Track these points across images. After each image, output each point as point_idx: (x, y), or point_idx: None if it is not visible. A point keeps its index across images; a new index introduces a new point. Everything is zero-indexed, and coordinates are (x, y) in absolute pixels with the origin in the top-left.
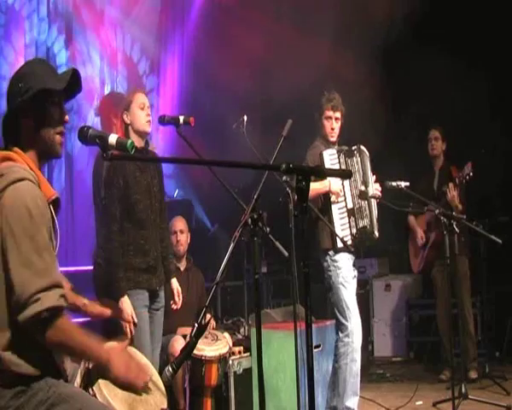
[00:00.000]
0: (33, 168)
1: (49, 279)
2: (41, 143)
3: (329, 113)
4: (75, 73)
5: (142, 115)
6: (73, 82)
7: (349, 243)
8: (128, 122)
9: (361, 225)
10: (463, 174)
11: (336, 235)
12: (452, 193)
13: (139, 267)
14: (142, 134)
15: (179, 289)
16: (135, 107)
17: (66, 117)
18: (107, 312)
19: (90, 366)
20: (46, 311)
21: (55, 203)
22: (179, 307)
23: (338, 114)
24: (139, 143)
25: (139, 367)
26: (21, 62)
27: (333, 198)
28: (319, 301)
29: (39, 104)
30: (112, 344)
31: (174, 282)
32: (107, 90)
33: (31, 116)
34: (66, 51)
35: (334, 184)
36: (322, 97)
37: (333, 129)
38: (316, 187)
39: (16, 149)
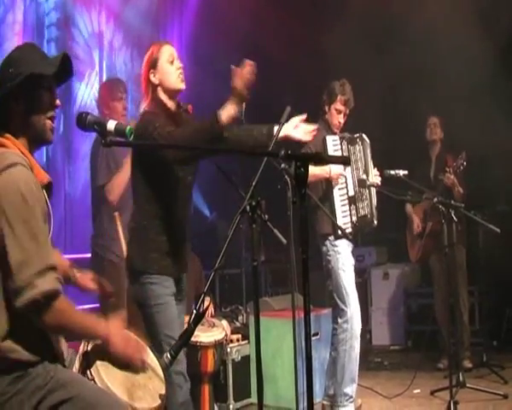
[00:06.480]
0: (25, 153)
1: (44, 263)
2: (31, 128)
3: (341, 107)
4: (66, 58)
5: (172, 70)
6: (64, 67)
7: (349, 230)
8: (157, 82)
9: (362, 213)
10: (457, 164)
11: (338, 226)
12: (450, 178)
13: (165, 250)
14: (174, 93)
15: None
16: (163, 62)
17: (58, 102)
18: (94, 286)
19: (89, 349)
20: (42, 296)
21: (48, 187)
22: None
23: (347, 111)
24: (172, 105)
25: (137, 344)
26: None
27: (334, 182)
28: (317, 289)
29: (29, 89)
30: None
31: None
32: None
33: (21, 101)
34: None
35: (334, 168)
36: (335, 84)
37: (340, 122)
38: (316, 172)
39: (7, 134)
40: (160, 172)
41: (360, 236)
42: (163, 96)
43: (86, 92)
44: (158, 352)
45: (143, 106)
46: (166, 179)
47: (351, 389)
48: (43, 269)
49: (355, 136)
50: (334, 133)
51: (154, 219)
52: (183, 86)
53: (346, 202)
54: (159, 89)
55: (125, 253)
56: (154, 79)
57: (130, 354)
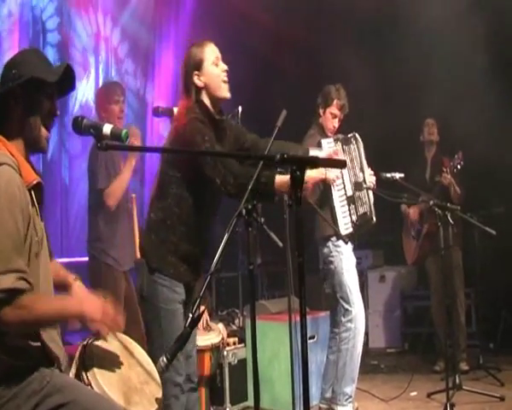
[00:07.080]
0: (15, 154)
1: (7, 266)
2: (27, 131)
3: (336, 111)
4: (69, 68)
5: (217, 73)
6: (67, 78)
7: (350, 230)
8: (201, 85)
9: (361, 211)
10: (454, 164)
11: (338, 232)
12: (447, 177)
13: (184, 255)
14: (217, 101)
15: None
16: (208, 65)
17: (57, 111)
18: None
19: (85, 353)
20: (1, 292)
21: (38, 188)
22: None
23: (342, 116)
24: (214, 111)
25: (116, 312)
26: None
27: (331, 184)
28: (313, 292)
29: (30, 93)
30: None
31: None
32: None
33: (20, 101)
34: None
35: (329, 171)
36: (330, 88)
37: (334, 127)
38: (312, 175)
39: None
40: (202, 180)
41: (357, 238)
42: (207, 101)
43: (81, 93)
44: (157, 356)
45: (183, 106)
46: (207, 189)
47: (350, 389)
48: (6, 270)
49: (349, 136)
50: (328, 137)
51: (180, 224)
52: (228, 95)
53: (345, 202)
54: (203, 92)
55: (136, 240)
56: (199, 82)
57: (108, 322)
